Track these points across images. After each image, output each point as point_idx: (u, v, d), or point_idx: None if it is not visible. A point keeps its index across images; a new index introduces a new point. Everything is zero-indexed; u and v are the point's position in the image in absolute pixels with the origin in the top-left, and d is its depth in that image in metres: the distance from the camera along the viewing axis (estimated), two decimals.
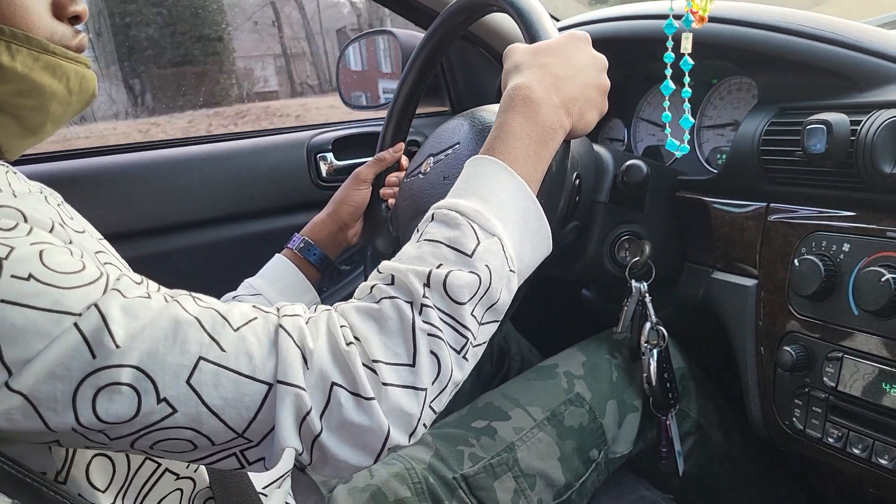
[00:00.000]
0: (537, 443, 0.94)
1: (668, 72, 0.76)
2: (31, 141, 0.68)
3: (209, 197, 1.27)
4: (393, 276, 0.59)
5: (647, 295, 1.00)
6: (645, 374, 0.99)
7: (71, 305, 0.50)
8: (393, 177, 1.11)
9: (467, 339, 0.59)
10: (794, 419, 0.87)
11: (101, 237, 0.71)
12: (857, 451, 0.80)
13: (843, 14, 0.95)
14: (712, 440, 1.07)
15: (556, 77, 0.71)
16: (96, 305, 0.51)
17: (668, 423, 1.01)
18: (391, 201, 1.09)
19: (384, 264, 0.62)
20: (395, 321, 0.57)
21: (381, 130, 1.11)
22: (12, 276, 0.49)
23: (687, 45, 0.80)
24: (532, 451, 0.93)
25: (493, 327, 0.64)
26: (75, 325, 0.50)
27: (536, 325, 1.28)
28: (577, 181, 0.92)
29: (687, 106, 0.77)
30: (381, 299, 0.58)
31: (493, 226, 0.62)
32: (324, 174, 1.35)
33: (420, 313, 0.57)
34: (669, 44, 0.76)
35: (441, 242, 0.61)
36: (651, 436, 1.05)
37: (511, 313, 0.93)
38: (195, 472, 0.67)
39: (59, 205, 0.67)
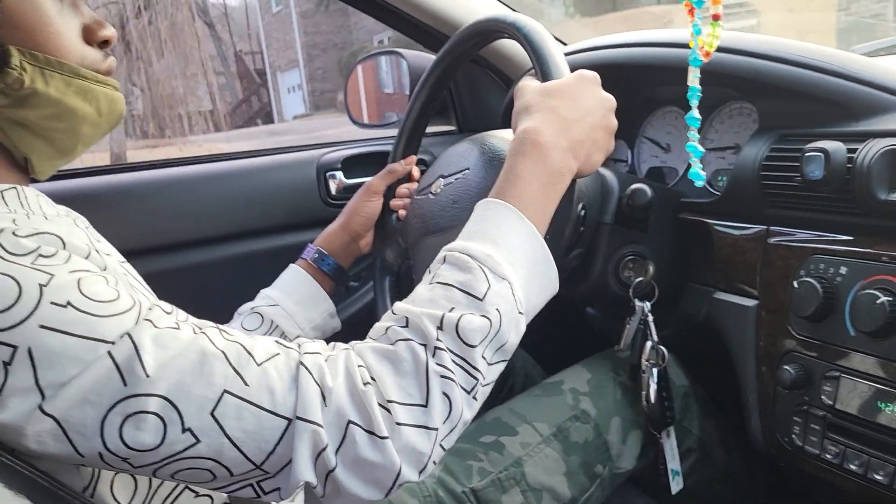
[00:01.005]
0: (544, 458, 0.96)
1: (695, 103, 0.78)
2: (62, 162, 0.71)
3: (222, 214, 1.30)
4: (407, 319, 0.62)
5: (649, 314, 1.02)
6: (644, 392, 1.02)
7: (105, 333, 0.53)
8: (404, 188, 1.13)
9: (477, 380, 0.61)
10: (793, 436, 0.90)
11: (124, 260, 0.73)
12: (854, 468, 0.83)
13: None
14: (714, 457, 1.10)
15: (564, 120, 0.74)
16: (129, 335, 0.53)
17: (661, 441, 1.04)
18: (401, 212, 1.12)
19: (398, 306, 0.64)
20: (410, 363, 0.59)
21: (393, 146, 1.14)
22: (52, 302, 0.52)
23: (692, 79, 0.83)
24: (539, 466, 0.95)
25: (502, 366, 0.66)
26: (109, 352, 0.52)
27: (540, 342, 1.30)
28: (583, 212, 0.95)
29: (695, 136, 0.80)
30: (396, 341, 0.61)
31: (503, 270, 0.65)
32: (333, 192, 1.38)
33: (433, 356, 0.60)
34: (697, 76, 0.78)
35: (453, 286, 0.64)
36: (654, 453, 1.07)
37: None
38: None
39: (86, 228, 0.70)
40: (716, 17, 0.78)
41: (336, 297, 1.10)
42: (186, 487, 0.68)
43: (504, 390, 1.24)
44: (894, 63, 1.03)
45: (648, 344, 1.02)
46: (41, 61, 0.63)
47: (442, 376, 0.59)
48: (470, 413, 0.62)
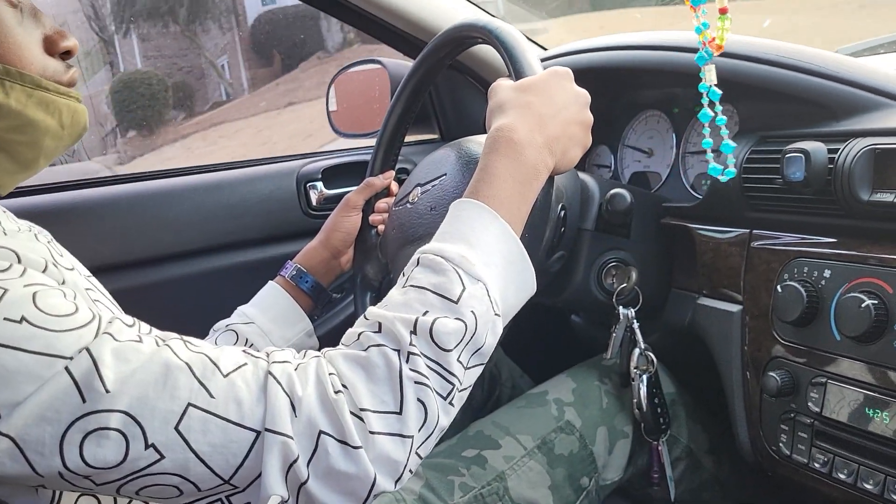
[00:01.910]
0: (528, 471, 0.94)
1: (706, 100, 0.76)
2: (24, 176, 0.69)
3: (199, 227, 1.27)
4: (380, 324, 0.60)
5: (634, 321, 1.00)
6: (635, 400, 1.00)
7: (63, 349, 0.51)
8: (382, 203, 1.11)
9: (453, 384, 0.60)
10: (780, 444, 0.88)
11: (90, 274, 0.71)
12: (842, 476, 0.81)
13: None
14: (703, 466, 1.08)
15: (539, 117, 0.72)
16: (88, 349, 0.52)
17: (659, 448, 1.02)
18: (381, 227, 1.10)
19: (371, 311, 0.62)
20: (383, 369, 0.58)
21: (370, 159, 1.12)
22: (5, 318, 0.50)
23: (712, 77, 0.81)
24: (523, 480, 0.93)
25: (479, 370, 0.64)
26: (66, 368, 0.51)
27: (527, 351, 1.28)
28: (563, 212, 0.93)
29: (725, 132, 0.78)
30: (368, 347, 0.59)
31: (478, 271, 0.63)
32: (314, 203, 1.36)
33: (407, 361, 0.58)
34: (703, 74, 0.76)
35: (427, 289, 0.62)
36: (642, 462, 1.05)
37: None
38: None
39: (48, 242, 0.67)
40: (723, 11, 0.77)
41: (317, 309, 1.08)
42: None
43: (491, 401, 1.22)
44: (878, 63, 1.01)
45: (636, 351, 1.00)
46: (0, 72, 0.62)
47: (416, 382, 0.58)
48: (446, 419, 0.61)
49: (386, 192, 1.12)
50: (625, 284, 1.00)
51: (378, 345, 0.59)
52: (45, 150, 0.68)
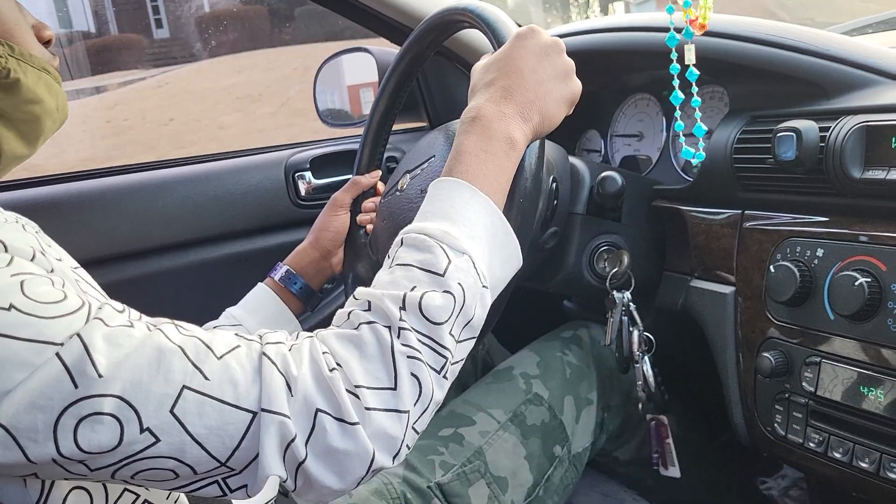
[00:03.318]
0: (503, 443, 0.97)
1: (676, 82, 0.76)
2: (23, 157, 0.71)
3: (187, 219, 1.26)
4: (369, 302, 0.60)
5: (631, 304, 1.00)
6: (640, 382, 1.01)
7: (53, 335, 0.50)
8: (369, 202, 1.10)
9: (446, 358, 0.60)
10: (775, 425, 0.88)
11: (77, 265, 0.71)
12: (838, 455, 0.80)
13: None
14: (691, 440, 1.12)
15: (504, 89, 0.72)
16: (79, 335, 0.51)
17: (664, 423, 1.04)
18: (369, 227, 1.09)
19: (360, 290, 0.62)
20: (375, 346, 0.57)
21: (357, 154, 1.10)
22: None
23: (691, 56, 0.80)
24: (499, 452, 0.96)
25: (471, 344, 0.64)
26: (57, 354, 0.50)
27: (520, 338, 1.28)
28: (554, 184, 0.93)
29: (698, 115, 0.77)
30: (359, 325, 0.59)
31: (462, 244, 0.63)
32: (302, 193, 1.35)
33: (398, 336, 0.58)
34: (674, 55, 0.76)
35: (413, 266, 0.62)
36: (613, 426, 1.09)
37: (489, 329, 0.93)
38: (176, 502, 0.67)
39: (36, 232, 0.67)
40: None
41: (307, 311, 1.06)
42: (146, 501, 0.64)
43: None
44: (870, 41, 1.01)
45: (636, 333, 1.00)
46: (17, 53, 0.65)
47: (409, 357, 0.58)
48: (441, 393, 0.61)
49: (373, 191, 1.10)
50: (617, 268, 1.00)
51: (369, 322, 0.59)
52: (45, 131, 0.70)
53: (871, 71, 0.83)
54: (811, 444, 0.83)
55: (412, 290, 0.60)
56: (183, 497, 0.68)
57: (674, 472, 1.05)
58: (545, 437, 0.99)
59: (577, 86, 0.77)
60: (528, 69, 0.73)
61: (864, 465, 0.78)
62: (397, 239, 0.66)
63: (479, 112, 0.70)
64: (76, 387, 0.50)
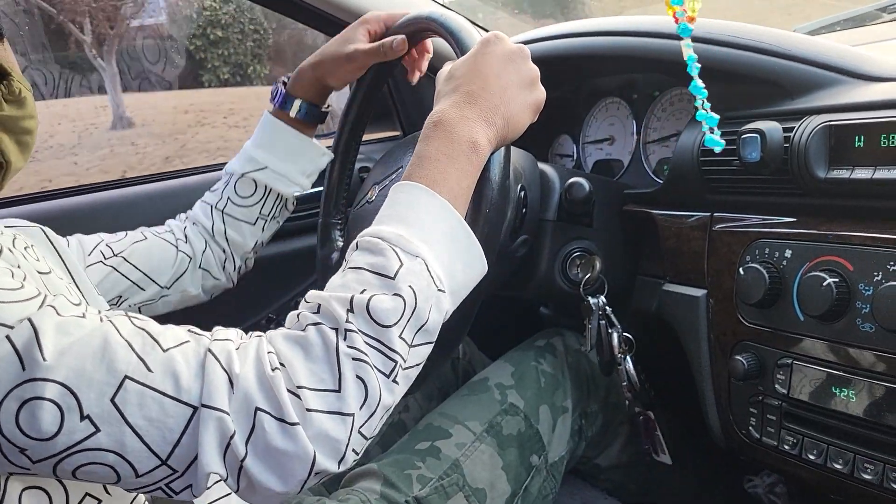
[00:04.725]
0: (480, 454, 0.96)
1: (695, 72, 0.75)
2: (20, 168, 0.73)
3: None
4: (319, 305, 0.60)
5: (607, 307, 1.00)
6: (625, 383, 1.01)
7: (5, 318, 0.51)
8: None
9: (396, 361, 0.59)
10: (750, 428, 0.87)
11: (72, 281, 0.74)
12: (812, 457, 0.80)
13: None
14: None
15: (468, 95, 0.72)
16: (30, 320, 0.52)
17: (652, 418, 1.05)
18: (339, 243, 1.07)
19: (310, 294, 0.62)
20: (320, 346, 0.57)
21: (328, 168, 1.08)
22: None
23: (687, 52, 0.79)
24: (477, 464, 0.95)
25: (427, 349, 0.63)
26: (7, 336, 0.51)
27: (499, 347, 1.27)
28: (522, 193, 0.92)
29: (707, 105, 0.76)
30: (306, 326, 0.59)
31: (415, 248, 0.62)
32: None
33: (345, 339, 0.57)
34: (689, 45, 0.75)
35: (364, 269, 0.62)
36: (592, 432, 1.09)
37: (460, 337, 0.92)
38: None
39: (25, 248, 0.70)
40: None
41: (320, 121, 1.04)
42: None
43: None
44: (833, 40, 1.01)
45: (615, 335, 1.00)
46: (17, 76, 0.69)
47: (354, 359, 0.57)
48: (391, 398, 0.60)
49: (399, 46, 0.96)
50: (590, 274, 1.00)
51: (316, 323, 0.58)
52: (31, 148, 0.73)
53: (833, 70, 0.83)
54: (785, 447, 0.83)
55: (361, 292, 0.60)
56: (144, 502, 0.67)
57: (665, 458, 1.06)
58: (522, 447, 0.99)
59: (541, 93, 0.77)
60: (492, 75, 0.73)
61: (837, 466, 0.78)
62: (353, 243, 0.66)
63: (442, 117, 0.70)
64: (23, 369, 0.51)
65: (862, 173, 0.74)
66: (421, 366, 0.63)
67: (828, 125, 0.77)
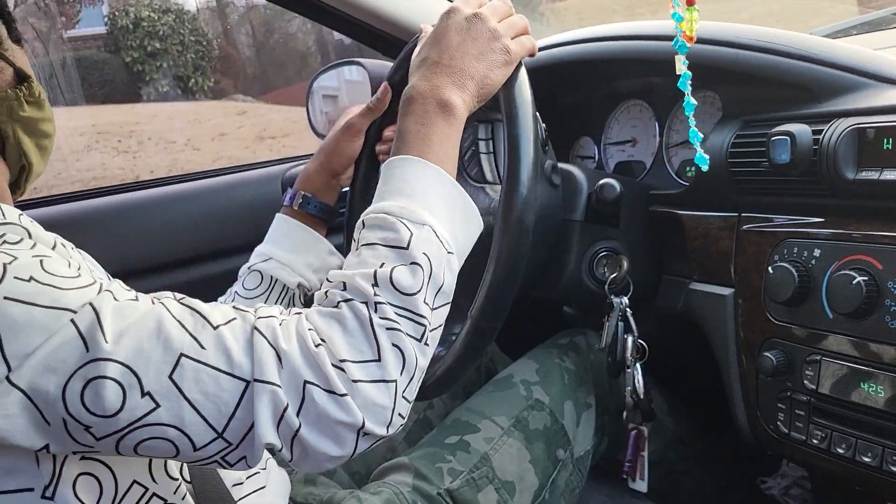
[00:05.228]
0: (508, 448, 0.98)
1: (688, 89, 0.77)
2: (41, 172, 0.76)
3: (187, 236, 1.27)
4: (344, 283, 0.63)
5: (628, 310, 1.01)
6: (629, 388, 1.02)
7: (69, 303, 0.54)
8: (389, 131, 1.06)
9: (424, 325, 0.63)
10: (778, 423, 0.89)
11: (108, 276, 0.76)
12: (841, 451, 0.82)
13: None
14: (664, 426, 1.14)
15: (433, 65, 0.76)
16: (91, 304, 0.55)
17: (644, 433, 1.05)
18: (382, 157, 1.06)
19: (332, 273, 0.65)
20: (354, 321, 0.61)
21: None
22: (15, 277, 0.54)
23: (680, 67, 0.81)
24: (505, 458, 0.97)
25: (446, 310, 0.68)
26: (72, 321, 0.54)
27: (521, 346, 1.29)
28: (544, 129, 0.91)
29: (692, 121, 0.79)
30: (338, 302, 0.62)
31: (420, 216, 0.66)
32: None
33: (376, 311, 0.61)
34: (685, 62, 0.77)
35: (377, 244, 0.65)
36: (612, 430, 1.10)
37: (497, 329, 0.92)
38: (182, 499, 0.68)
39: (72, 248, 0.71)
40: (690, 3, 0.78)
41: (330, 222, 1.06)
42: (155, 494, 0.65)
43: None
44: (854, 44, 1.03)
45: (630, 339, 1.01)
46: (34, 83, 0.72)
47: (388, 329, 0.61)
48: (424, 360, 0.64)
49: (389, 119, 1.05)
50: (616, 273, 1.01)
51: (347, 300, 0.62)
52: (48, 152, 0.75)
53: (859, 74, 0.85)
54: (814, 441, 0.85)
55: (381, 266, 0.63)
56: (189, 496, 0.69)
57: (641, 486, 1.05)
58: (548, 441, 1.01)
59: (512, 45, 0.80)
60: (453, 44, 0.78)
61: (866, 459, 0.80)
62: (358, 222, 0.69)
63: (412, 91, 0.75)
64: (87, 350, 0.53)
65: (891, 175, 0.76)
66: (442, 326, 0.68)
67: (856, 128, 0.79)
